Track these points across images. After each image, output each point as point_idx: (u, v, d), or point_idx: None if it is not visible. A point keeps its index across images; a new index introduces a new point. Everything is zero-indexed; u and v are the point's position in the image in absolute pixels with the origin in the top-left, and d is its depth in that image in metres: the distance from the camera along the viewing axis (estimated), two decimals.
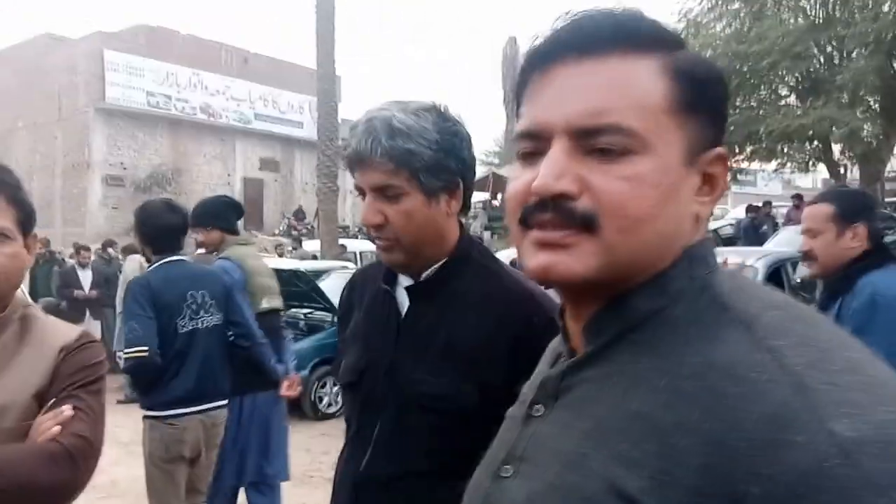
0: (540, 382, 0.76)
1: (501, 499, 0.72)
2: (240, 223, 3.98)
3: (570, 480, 0.63)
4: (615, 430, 0.62)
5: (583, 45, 0.66)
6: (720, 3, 16.32)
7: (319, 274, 9.45)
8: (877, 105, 15.38)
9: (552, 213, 0.65)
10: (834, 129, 14.33)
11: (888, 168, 17.66)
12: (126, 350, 2.99)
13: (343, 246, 13.93)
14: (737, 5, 16.18)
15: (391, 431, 1.29)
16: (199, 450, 3.14)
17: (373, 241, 1.34)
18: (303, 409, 7.09)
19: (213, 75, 24.47)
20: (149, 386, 3.06)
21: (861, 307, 2.21)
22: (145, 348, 2.94)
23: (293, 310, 7.90)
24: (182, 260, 3.27)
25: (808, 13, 15.78)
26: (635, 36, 0.67)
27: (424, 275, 1.34)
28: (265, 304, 3.76)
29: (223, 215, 3.70)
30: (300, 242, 15.52)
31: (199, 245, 3.71)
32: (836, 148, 16.20)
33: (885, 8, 13.80)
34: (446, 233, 1.34)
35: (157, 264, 3.18)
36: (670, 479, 0.56)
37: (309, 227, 23.31)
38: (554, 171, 0.64)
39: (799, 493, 0.50)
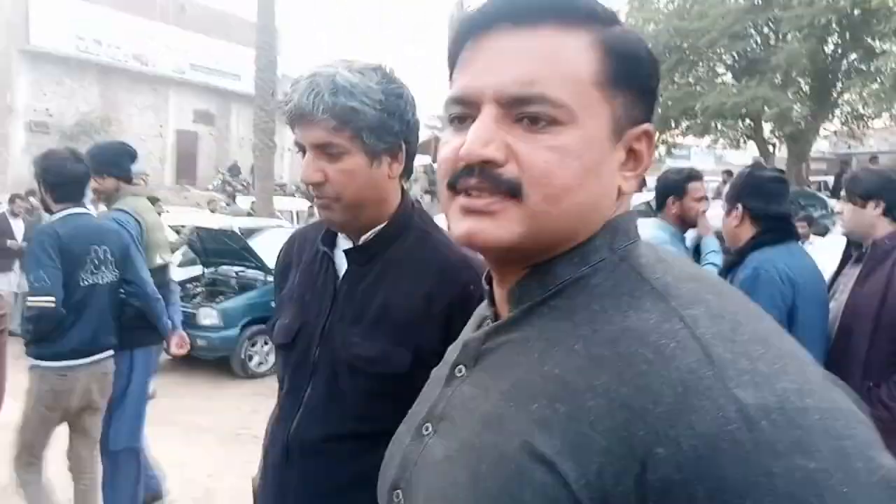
0: (463, 344, 0.77)
1: (420, 456, 0.73)
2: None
3: (487, 439, 0.64)
4: (531, 392, 0.63)
5: (517, 15, 0.67)
6: None
7: (253, 231, 9.29)
8: (807, 87, 15.90)
9: (478, 178, 0.66)
10: (766, 108, 14.78)
11: (814, 148, 18.32)
12: (33, 298, 2.95)
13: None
14: None
15: (322, 394, 1.29)
16: (87, 399, 3.18)
17: (311, 199, 1.33)
18: (233, 367, 7.05)
19: (148, 21, 23.44)
20: (45, 336, 3.03)
21: (745, 280, 2.33)
22: (52, 298, 2.92)
23: (224, 267, 7.80)
24: (86, 213, 3.23)
25: None
26: (570, 9, 0.67)
27: (363, 238, 1.33)
28: (159, 260, 3.75)
29: (118, 162, 3.61)
30: (234, 199, 15.20)
31: (94, 192, 3.60)
32: (767, 127, 16.72)
33: None
34: (387, 196, 1.33)
35: (63, 215, 3.12)
36: (582, 441, 0.57)
37: (244, 183, 22.84)
38: (481, 137, 0.65)
39: (700, 455, 0.52)
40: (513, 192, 0.65)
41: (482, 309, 0.82)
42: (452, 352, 0.81)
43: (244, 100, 24.30)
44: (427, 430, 0.74)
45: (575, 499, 0.56)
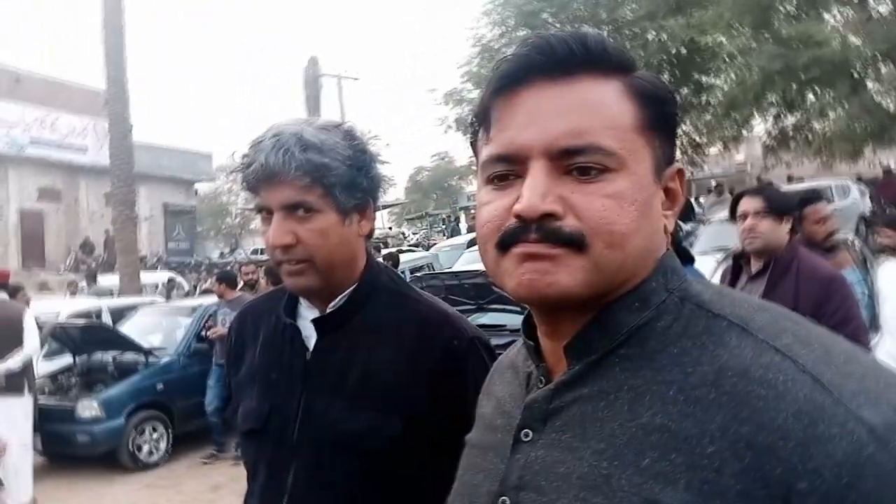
0: (525, 405, 0.72)
1: None
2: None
3: (595, 503, 0.62)
4: (634, 446, 0.61)
5: (554, 68, 0.67)
6: (509, 30, 17.48)
7: (124, 312, 8.74)
8: None
9: (537, 234, 0.65)
10: None
11: None
12: None
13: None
14: (523, 32, 17.39)
15: (310, 479, 1.20)
16: None
17: (277, 267, 1.23)
18: (121, 461, 6.52)
19: None
20: None
21: None
22: None
23: (98, 354, 7.24)
24: None
25: None
26: (603, 59, 0.68)
27: (333, 304, 1.25)
28: None
29: None
30: (94, 278, 14.21)
31: None
32: None
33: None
34: (357, 256, 1.27)
35: None
36: (713, 489, 0.56)
37: (99, 259, 21.51)
38: (538, 191, 0.64)
39: (843, 483, 0.52)
40: (575, 243, 0.64)
41: (517, 362, 0.80)
42: (500, 415, 0.77)
43: (93, 172, 23.03)
44: None
45: None
